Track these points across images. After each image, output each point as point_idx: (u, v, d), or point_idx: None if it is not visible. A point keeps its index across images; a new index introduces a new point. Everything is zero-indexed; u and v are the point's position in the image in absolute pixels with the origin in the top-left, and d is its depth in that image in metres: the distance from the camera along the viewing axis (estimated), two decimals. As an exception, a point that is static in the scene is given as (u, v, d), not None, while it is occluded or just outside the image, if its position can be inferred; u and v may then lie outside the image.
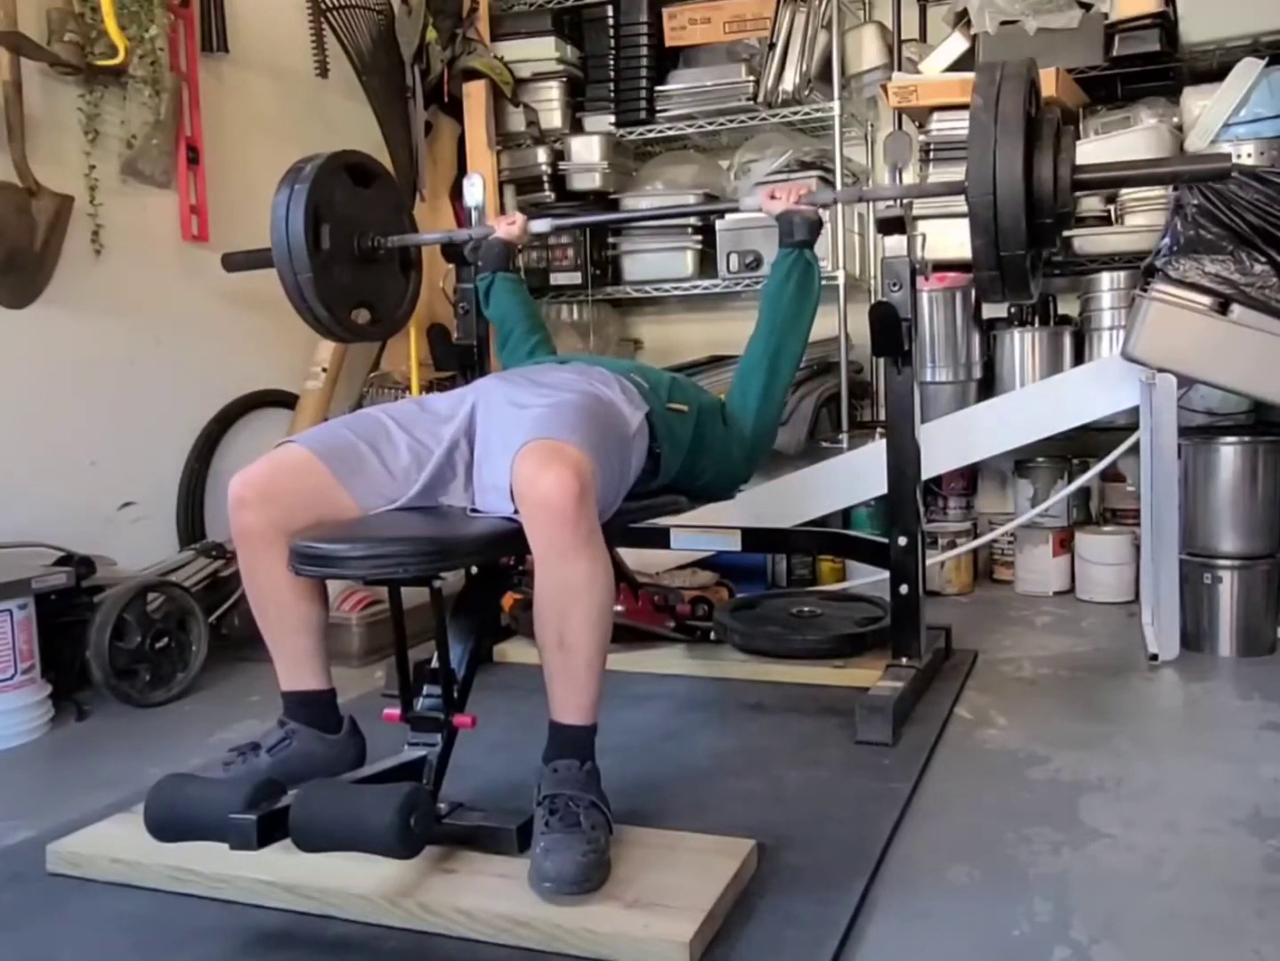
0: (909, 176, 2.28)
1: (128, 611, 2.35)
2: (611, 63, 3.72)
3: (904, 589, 2.25)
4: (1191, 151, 3.04)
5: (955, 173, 2.91)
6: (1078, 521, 3.40)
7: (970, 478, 3.59)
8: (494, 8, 3.73)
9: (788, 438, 3.22)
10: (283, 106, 3.24)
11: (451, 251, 2.59)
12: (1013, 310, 3.37)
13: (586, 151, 3.69)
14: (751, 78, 3.55)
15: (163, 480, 2.87)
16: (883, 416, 3.16)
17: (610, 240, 3.76)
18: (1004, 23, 3.20)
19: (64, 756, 2.13)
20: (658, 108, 3.68)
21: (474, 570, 1.88)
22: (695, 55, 3.73)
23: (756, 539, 2.59)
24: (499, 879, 1.43)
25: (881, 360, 2.49)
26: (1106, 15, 3.17)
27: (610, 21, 3.71)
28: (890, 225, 2.21)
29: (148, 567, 2.62)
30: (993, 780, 1.86)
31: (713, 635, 2.61)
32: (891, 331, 2.17)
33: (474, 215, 2.58)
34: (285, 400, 3.19)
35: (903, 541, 2.25)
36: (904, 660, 2.25)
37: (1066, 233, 3.01)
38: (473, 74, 3.58)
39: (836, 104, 3.46)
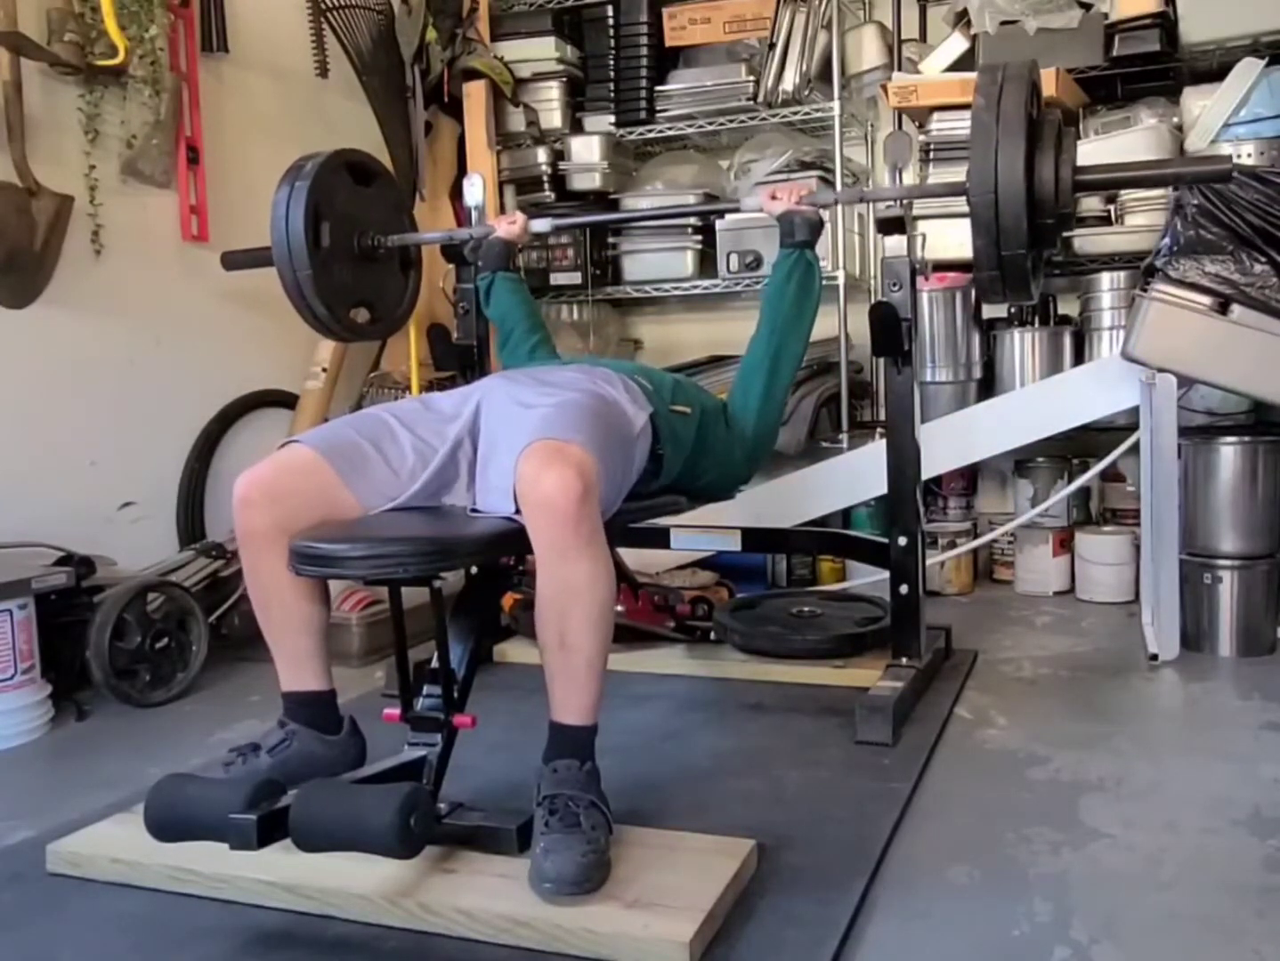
0: (909, 176, 2.28)
1: (128, 611, 2.35)
2: (611, 63, 3.72)
3: (904, 589, 2.25)
4: (1191, 151, 3.04)
5: (955, 173, 2.92)
6: (1078, 521, 3.40)
7: (970, 478, 3.59)
8: (494, 8, 3.73)
9: (788, 438, 3.22)
10: (283, 106, 3.24)
11: (451, 251, 2.59)
12: (1013, 310, 3.37)
13: (586, 151, 3.69)
14: (751, 78, 3.55)
15: (163, 480, 2.87)
16: (883, 416, 3.16)
17: (610, 240, 3.76)
18: (1004, 23, 3.20)
19: (64, 756, 2.13)
20: (658, 108, 3.68)
21: (474, 570, 1.88)
22: (695, 55, 3.73)
23: (756, 539, 2.59)
24: (499, 879, 1.43)
25: (881, 360, 2.49)
26: (1106, 15, 3.17)
27: (610, 21, 3.71)
28: (890, 225, 2.21)
29: (148, 567, 2.62)
30: (993, 780, 1.86)
31: (713, 635, 2.61)
32: (891, 331, 2.17)
33: (474, 215, 2.57)
34: (285, 400, 3.19)
35: (903, 541, 2.25)
36: (904, 660, 2.25)
37: (1066, 233, 3.01)
38: (473, 74, 3.58)
39: (836, 104, 3.46)
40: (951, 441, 3.02)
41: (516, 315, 2.39)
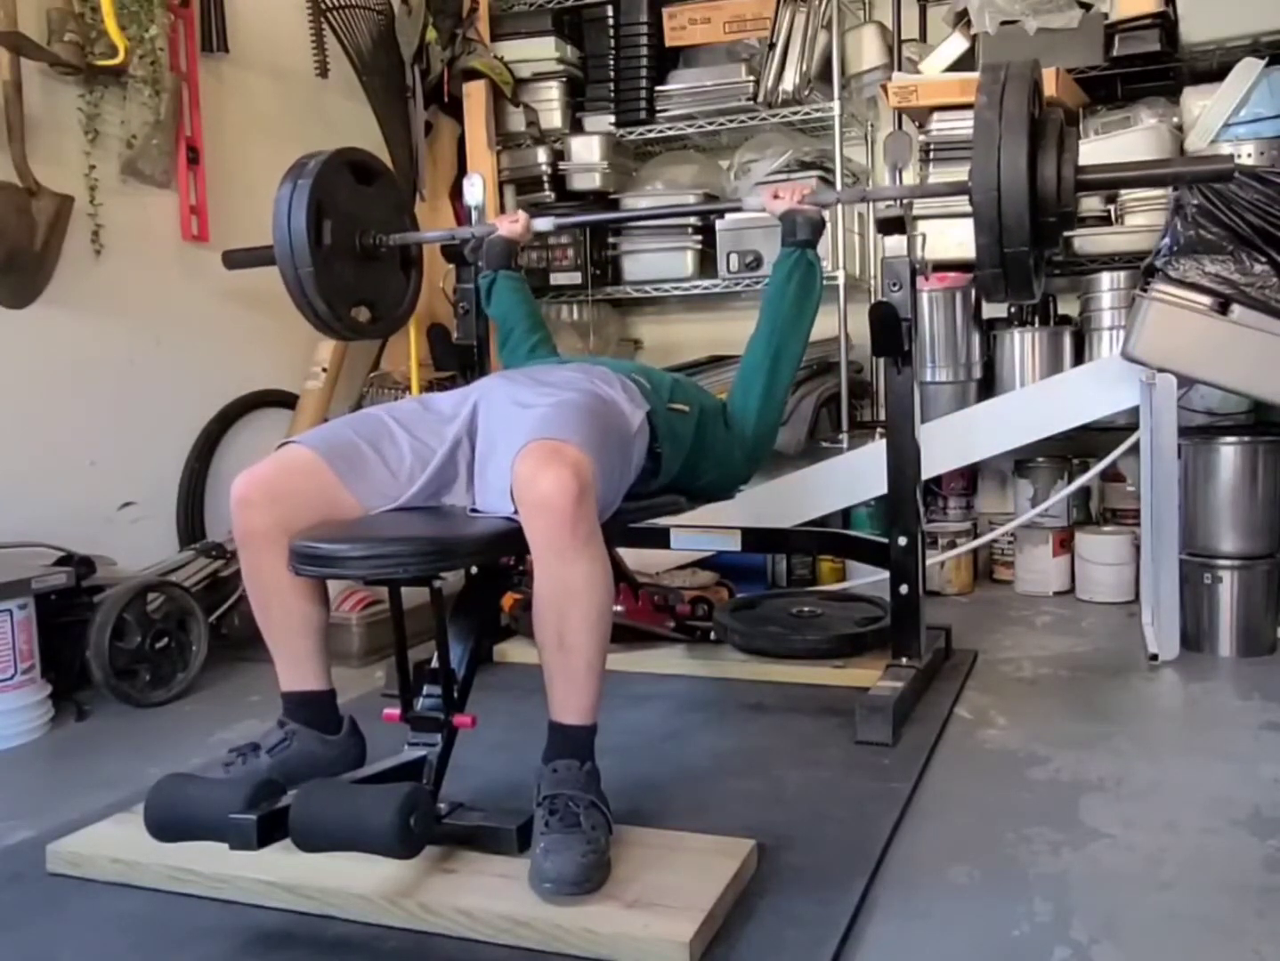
0: (909, 176, 2.28)
1: (128, 611, 2.35)
2: (611, 63, 3.73)
3: (904, 589, 2.25)
4: (1191, 151, 3.04)
5: (955, 173, 2.92)
6: (1078, 521, 3.40)
7: (970, 478, 3.59)
8: (494, 8, 3.73)
9: (788, 437, 3.22)
10: (283, 106, 3.24)
11: (451, 251, 2.59)
12: (1013, 310, 3.37)
13: (586, 151, 3.69)
14: (751, 78, 3.55)
15: (163, 480, 2.87)
16: (883, 416, 3.16)
17: (610, 240, 3.76)
18: (1004, 23, 3.20)
19: (64, 756, 2.13)
20: (658, 108, 3.68)
21: (474, 570, 1.88)
22: (695, 55, 3.73)
23: (756, 539, 2.59)
24: (499, 879, 1.43)
25: (881, 360, 2.49)
26: (1106, 15, 3.17)
27: (610, 21, 3.71)
28: (890, 225, 2.21)
29: (148, 567, 2.62)
30: (993, 780, 1.86)
31: (713, 635, 2.61)
32: (891, 331, 2.17)
33: (474, 215, 2.57)
34: (285, 400, 3.19)
35: (903, 541, 2.25)
36: (904, 660, 2.25)
37: (1068, 232, 3.01)
38: (473, 74, 3.58)
39: (836, 104, 3.46)
40: (951, 441, 3.02)
41: (517, 314, 2.39)
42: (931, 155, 3.27)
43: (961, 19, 3.34)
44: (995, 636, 2.82)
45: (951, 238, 3.15)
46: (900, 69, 3.52)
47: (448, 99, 3.61)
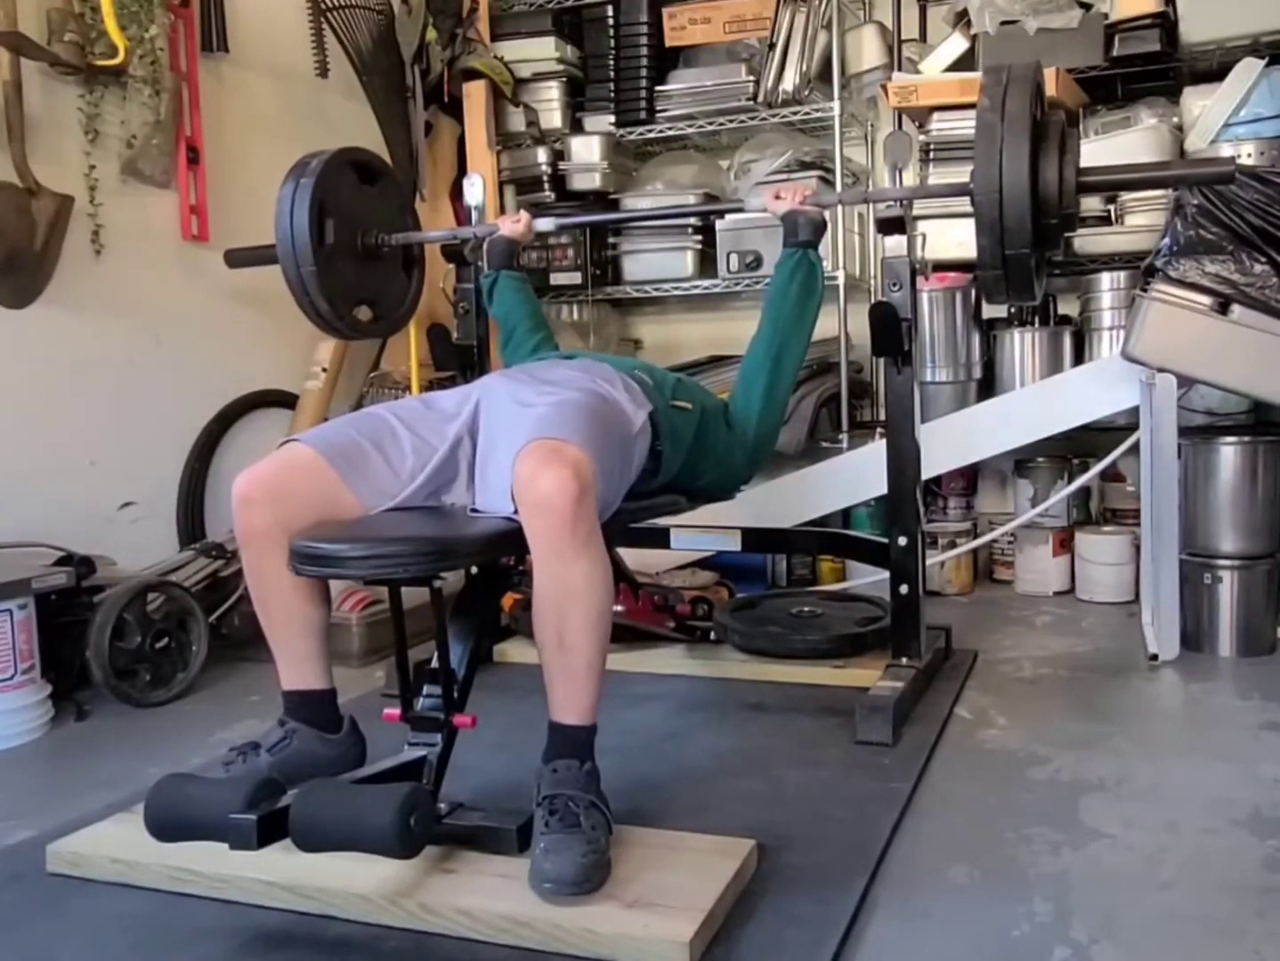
0: (908, 176, 2.28)
1: (128, 611, 2.35)
2: (611, 63, 3.73)
3: (904, 589, 2.25)
4: (1191, 151, 3.04)
5: (955, 173, 2.92)
6: (1078, 521, 3.40)
7: (970, 478, 3.59)
8: (494, 8, 3.73)
9: (788, 437, 3.22)
10: (283, 106, 3.24)
11: (451, 251, 2.59)
12: (1013, 310, 3.37)
13: (586, 151, 3.69)
14: (751, 78, 3.55)
15: (163, 480, 2.87)
16: (883, 416, 3.16)
17: (610, 240, 3.76)
18: (1004, 23, 3.20)
19: (64, 756, 2.13)
20: (658, 108, 3.68)
21: (474, 570, 1.88)
22: (695, 55, 3.73)
23: (756, 539, 2.59)
24: (499, 879, 1.43)
25: (881, 360, 2.49)
26: (1106, 15, 3.17)
27: (610, 21, 3.71)
28: (890, 225, 2.21)
29: (148, 567, 2.62)
30: (993, 780, 1.86)
31: (713, 635, 2.61)
32: (891, 331, 2.17)
33: (474, 215, 2.57)
34: (285, 400, 3.19)
35: (903, 541, 2.24)
36: (904, 660, 2.25)
37: (1069, 233, 3.01)
38: (473, 74, 3.58)
39: (836, 104, 3.46)
40: (951, 441, 3.02)
41: (519, 314, 2.39)
42: (931, 155, 3.27)
43: (961, 19, 3.34)
44: (995, 636, 2.82)
45: (951, 238, 3.15)
46: (900, 69, 3.53)
47: (448, 99, 3.61)
